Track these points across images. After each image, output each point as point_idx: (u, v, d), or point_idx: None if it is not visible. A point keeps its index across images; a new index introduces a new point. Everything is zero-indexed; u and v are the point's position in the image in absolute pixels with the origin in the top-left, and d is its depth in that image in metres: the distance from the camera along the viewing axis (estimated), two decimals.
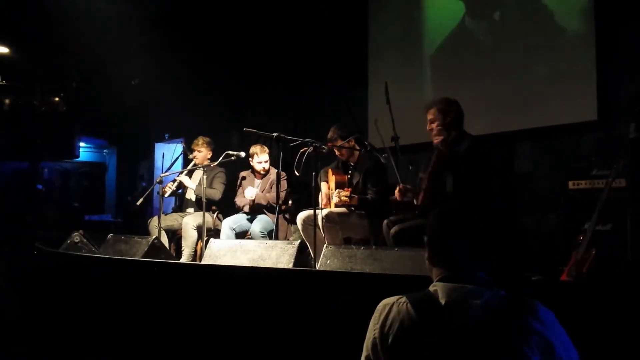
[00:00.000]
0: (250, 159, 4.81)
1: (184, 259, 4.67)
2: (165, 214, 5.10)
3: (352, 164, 4.13)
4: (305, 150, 3.70)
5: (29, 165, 7.64)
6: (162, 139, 8.46)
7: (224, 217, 4.85)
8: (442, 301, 1.30)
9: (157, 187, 4.93)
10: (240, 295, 2.81)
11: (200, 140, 5.14)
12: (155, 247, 3.83)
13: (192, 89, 7.48)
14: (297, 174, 3.74)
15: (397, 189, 3.39)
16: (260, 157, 4.79)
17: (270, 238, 4.25)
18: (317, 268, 2.96)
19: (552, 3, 4.51)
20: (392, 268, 2.70)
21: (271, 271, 2.96)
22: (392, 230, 3.24)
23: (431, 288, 1.36)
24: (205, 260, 3.46)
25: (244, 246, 3.37)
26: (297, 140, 3.64)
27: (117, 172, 9.49)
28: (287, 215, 4.74)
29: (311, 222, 3.51)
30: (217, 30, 7.18)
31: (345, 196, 3.81)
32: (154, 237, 4.04)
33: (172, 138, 8.04)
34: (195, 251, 4.73)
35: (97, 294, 3.55)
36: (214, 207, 4.99)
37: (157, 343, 3.11)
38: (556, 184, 4.19)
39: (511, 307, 1.27)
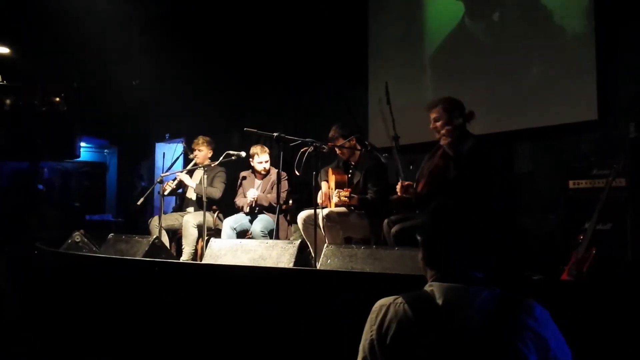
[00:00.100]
0: (250, 159, 4.81)
1: (185, 257, 4.67)
2: (166, 214, 5.10)
3: (353, 163, 4.13)
4: (306, 150, 3.70)
5: (30, 165, 7.65)
6: (162, 139, 8.46)
7: (225, 217, 4.85)
8: (439, 301, 1.30)
9: (157, 187, 4.94)
10: (241, 294, 2.81)
11: (201, 140, 5.15)
12: (156, 247, 3.84)
13: (193, 88, 7.48)
14: (297, 173, 3.75)
15: (399, 184, 3.40)
16: (260, 157, 4.79)
17: (271, 238, 4.26)
18: (318, 267, 2.96)
19: (551, 3, 4.51)
20: (392, 267, 2.70)
21: (272, 271, 2.96)
22: (393, 230, 3.24)
23: (427, 288, 1.35)
24: (206, 260, 3.46)
25: (244, 246, 3.38)
26: (298, 140, 3.65)
27: (118, 172, 9.50)
28: (287, 216, 4.75)
29: (312, 221, 3.52)
30: (217, 30, 7.18)
31: (345, 196, 3.81)
32: (154, 236, 4.04)
33: (173, 138, 8.03)
34: (196, 250, 4.74)
35: (97, 293, 3.55)
36: (214, 207, 5.00)
37: (157, 343, 3.11)
38: (556, 184, 4.19)
39: (507, 305, 1.28)
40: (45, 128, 7.43)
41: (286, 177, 4.66)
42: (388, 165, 3.89)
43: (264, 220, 4.61)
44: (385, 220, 3.40)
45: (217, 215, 5.01)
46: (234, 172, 5.15)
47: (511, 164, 4.74)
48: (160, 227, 4.58)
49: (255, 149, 4.81)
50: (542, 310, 1.28)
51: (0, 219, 6.76)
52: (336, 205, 3.94)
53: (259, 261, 3.18)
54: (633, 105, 3.88)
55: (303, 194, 5.05)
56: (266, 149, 4.85)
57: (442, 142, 3.26)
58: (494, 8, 4.93)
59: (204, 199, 4.41)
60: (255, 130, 3.70)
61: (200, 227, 4.64)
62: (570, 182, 3.84)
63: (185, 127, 7.47)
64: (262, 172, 4.85)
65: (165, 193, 5.00)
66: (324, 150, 3.90)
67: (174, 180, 5.10)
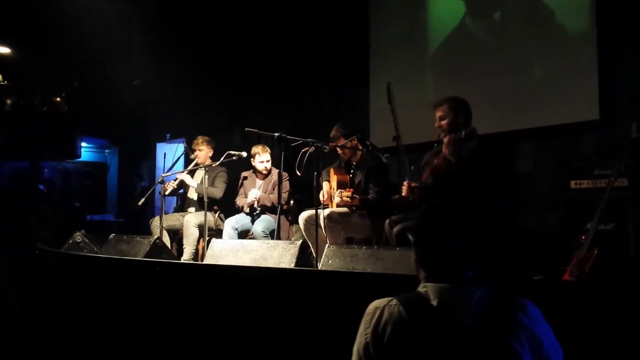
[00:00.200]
0: (251, 159, 4.81)
1: (186, 257, 4.67)
2: (167, 214, 5.10)
3: (355, 163, 4.13)
4: (307, 150, 3.70)
5: (30, 165, 7.65)
6: (163, 139, 8.46)
7: (226, 217, 4.85)
8: (434, 302, 1.30)
9: (158, 187, 4.94)
10: (242, 295, 2.81)
11: (200, 139, 5.15)
12: (157, 247, 3.84)
13: (193, 88, 7.48)
14: (298, 173, 3.74)
15: (405, 185, 3.38)
16: (262, 157, 4.79)
17: (272, 238, 4.25)
18: (319, 268, 2.96)
19: (552, 2, 4.50)
20: (394, 268, 2.69)
21: (273, 271, 2.96)
22: (395, 230, 3.24)
23: (421, 289, 1.35)
24: (207, 260, 3.46)
25: (246, 246, 3.37)
26: (299, 140, 3.65)
27: (119, 172, 9.50)
28: (289, 216, 4.75)
29: (313, 222, 3.52)
30: (217, 31, 7.18)
31: (347, 196, 3.81)
32: (155, 237, 4.04)
33: (174, 138, 8.03)
34: (197, 249, 4.74)
35: (98, 294, 3.55)
36: (215, 207, 5.00)
37: (158, 343, 3.11)
38: (557, 184, 4.18)
39: (503, 304, 1.28)
40: (45, 128, 7.44)
41: (287, 178, 4.66)
42: (389, 165, 3.88)
43: (265, 221, 4.61)
44: (387, 221, 3.40)
45: (219, 216, 5.01)
46: (235, 172, 5.14)
47: (512, 164, 4.74)
48: (161, 228, 4.58)
49: (256, 149, 4.81)
50: (535, 309, 1.29)
51: (0, 219, 6.76)
52: (338, 206, 3.94)
53: (260, 261, 3.17)
54: (634, 104, 3.87)
55: (304, 194, 5.05)
56: (267, 148, 4.84)
57: (446, 141, 3.26)
58: (495, 7, 4.92)
59: (205, 199, 4.41)
60: (257, 130, 3.70)
61: (201, 227, 4.64)
62: (572, 182, 3.83)
63: (186, 127, 7.46)
64: (264, 172, 4.85)
65: (167, 193, 5.00)
66: (325, 151, 3.90)
67: (175, 180, 5.10)
